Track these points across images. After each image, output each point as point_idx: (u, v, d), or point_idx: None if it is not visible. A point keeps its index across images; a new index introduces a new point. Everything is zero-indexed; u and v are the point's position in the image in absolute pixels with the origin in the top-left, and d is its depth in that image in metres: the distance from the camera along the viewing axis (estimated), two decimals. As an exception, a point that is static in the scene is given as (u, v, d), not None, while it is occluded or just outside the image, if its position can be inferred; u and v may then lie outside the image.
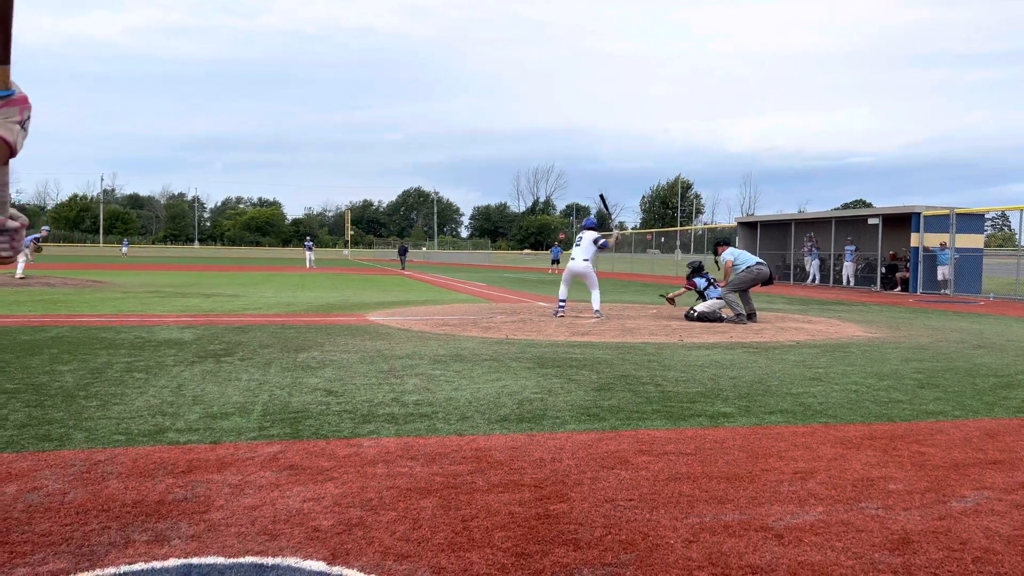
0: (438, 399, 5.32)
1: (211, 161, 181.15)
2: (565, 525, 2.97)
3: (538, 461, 3.84)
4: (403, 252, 46.64)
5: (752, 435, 4.48)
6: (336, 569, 2.53)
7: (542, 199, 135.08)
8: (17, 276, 19.45)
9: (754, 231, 31.67)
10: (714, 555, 2.70)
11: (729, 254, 12.11)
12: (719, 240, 12.99)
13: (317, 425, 4.49)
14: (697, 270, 12.24)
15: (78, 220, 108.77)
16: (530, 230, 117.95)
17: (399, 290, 19.65)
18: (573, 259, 11.83)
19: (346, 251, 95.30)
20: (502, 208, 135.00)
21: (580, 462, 3.83)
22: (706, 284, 11.92)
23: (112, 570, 2.49)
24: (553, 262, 43.13)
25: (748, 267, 11.84)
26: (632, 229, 74.03)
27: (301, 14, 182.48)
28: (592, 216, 12.71)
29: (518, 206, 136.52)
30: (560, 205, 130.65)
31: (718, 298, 11.68)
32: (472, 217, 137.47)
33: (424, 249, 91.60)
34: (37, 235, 22.07)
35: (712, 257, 12.93)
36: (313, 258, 43.13)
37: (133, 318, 10.71)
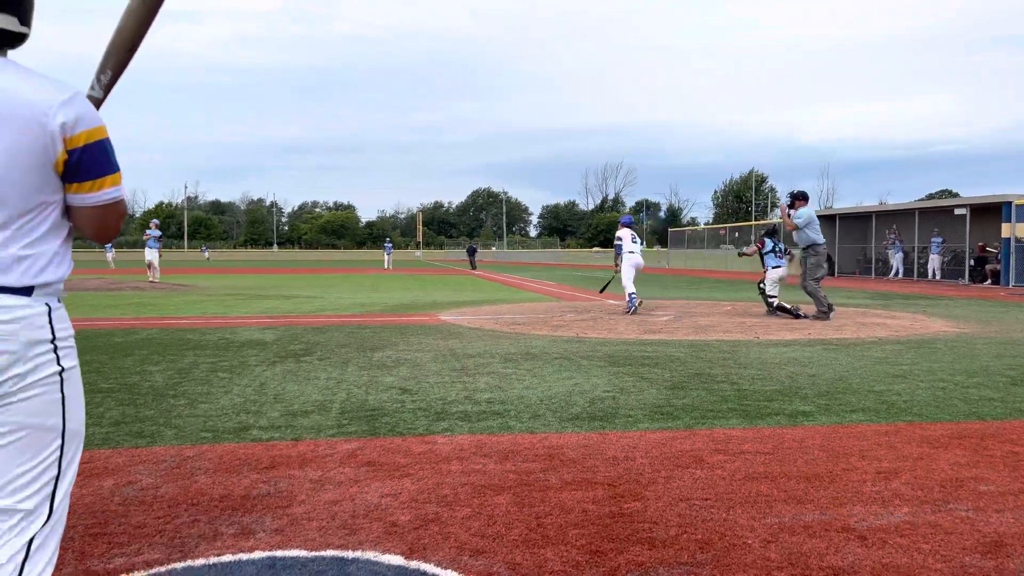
0: (510, 397, 5.35)
1: (287, 166, 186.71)
2: (639, 524, 2.95)
3: (611, 459, 3.82)
4: (472, 252, 47.10)
5: (833, 434, 4.36)
6: (414, 563, 2.59)
7: (611, 196, 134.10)
8: (158, 279, 21.58)
9: (833, 224, 30.73)
10: (793, 556, 2.65)
11: (806, 216, 11.39)
12: (798, 193, 11.81)
13: (393, 422, 4.58)
14: (771, 232, 12.21)
15: (164, 227, 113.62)
16: (599, 228, 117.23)
17: (470, 290, 19.83)
18: (632, 252, 12.22)
19: (418, 252, 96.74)
20: (571, 206, 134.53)
21: (654, 461, 3.80)
22: (772, 247, 11.79)
23: (202, 561, 2.60)
24: None
25: (815, 245, 11.41)
26: (704, 225, 72.65)
27: (367, 19, 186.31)
28: (628, 214, 13.00)
29: (587, 204, 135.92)
30: (629, 202, 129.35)
31: (775, 267, 11.63)
32: (540, 216, 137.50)
33: (493, 249, 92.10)
34: (153, 223, 23.12)
35: (786, 209, 11.94)
36: (392, 260, 44.18)
37: (217, 320, 11.12)
